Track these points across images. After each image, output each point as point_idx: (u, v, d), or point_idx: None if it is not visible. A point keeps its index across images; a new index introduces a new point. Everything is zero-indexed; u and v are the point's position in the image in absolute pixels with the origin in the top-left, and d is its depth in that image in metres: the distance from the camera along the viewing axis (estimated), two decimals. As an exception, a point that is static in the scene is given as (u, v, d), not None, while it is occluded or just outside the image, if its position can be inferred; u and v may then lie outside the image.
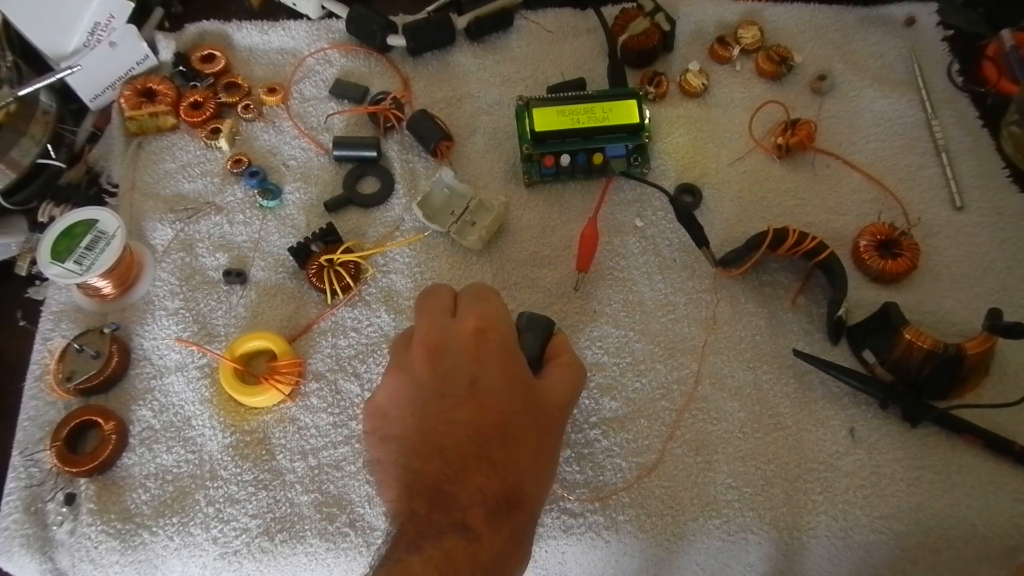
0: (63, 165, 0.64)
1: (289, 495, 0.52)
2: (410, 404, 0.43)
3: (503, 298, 0.59)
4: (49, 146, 0.63)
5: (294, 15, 0.75)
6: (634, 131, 0.63)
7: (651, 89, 0.69)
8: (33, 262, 0.59)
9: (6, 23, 0.64)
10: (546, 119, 0.62)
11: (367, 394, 0.56)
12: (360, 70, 0.71)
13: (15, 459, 0.52)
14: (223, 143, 0.65)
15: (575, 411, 0.55)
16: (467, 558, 0.37)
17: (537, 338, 0.50)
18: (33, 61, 0.66)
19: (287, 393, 0.54)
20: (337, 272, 0.58)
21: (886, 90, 0.70)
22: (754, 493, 0.52)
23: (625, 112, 0.63)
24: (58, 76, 0.63)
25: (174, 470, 0.52)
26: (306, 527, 0.51)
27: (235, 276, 0.59)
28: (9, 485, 0.52)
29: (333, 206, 0.63)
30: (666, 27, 0.70)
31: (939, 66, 0.72)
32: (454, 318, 0.45)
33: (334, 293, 0.58)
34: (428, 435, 0.41)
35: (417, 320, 0.46)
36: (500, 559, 0.38)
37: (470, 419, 0.41)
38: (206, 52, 0.70)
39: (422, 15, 0.73)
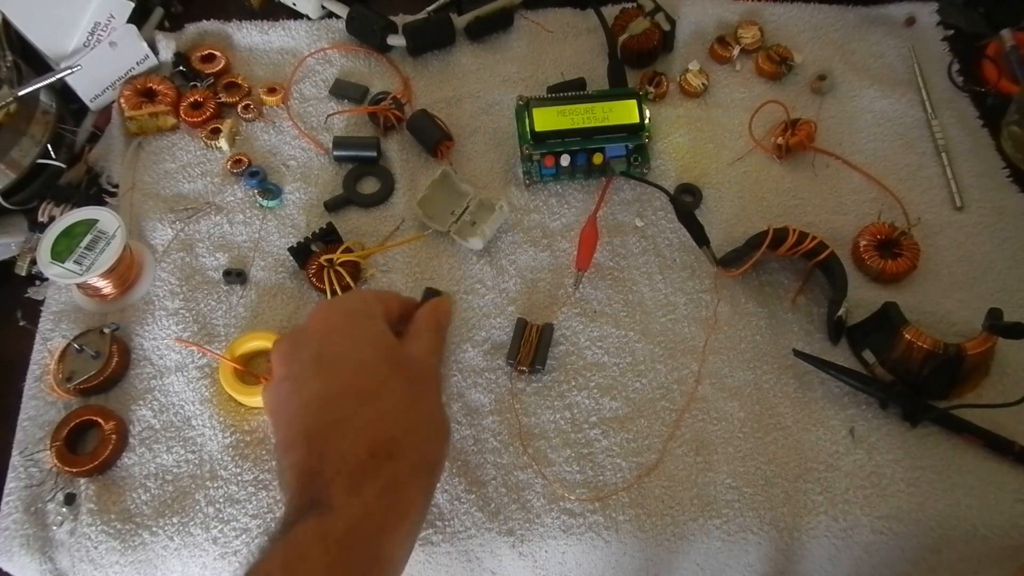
0: (63, 165, 0.64)
1: (289, 495, 0.52)
2: (277, 408, 0.44)
3: (502, 297, 0.59)
4: (49, 146, 0.63)
5: (294, 15, 0.75)
6: (634, 131, 0.63)
7: (651, 89, 0.69)
8: (33, 262, 0.59)
9: (6, 23, 0.64)
10: (546, 119, 0.62)
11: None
12: (360, 70, 0.71)
13: (15, 459, 0.52)
14: (223, 143, 0.65)
15: (575, 411, 0.55)
16: (317, 536, 0.37)
17: None
18: (33, 61, 0.66)
19: (287, 393, 0.54)
20: (337, 272, 0.58)
21: (886, 90, 0.70)
22: (754, 493, 0.52)
23: (625, 112, 0.63)
24: (58, 76, 0.63)
25: (174, 470, 0.52)
26: (306, 527, 0.51)
27: (235, 276, 0.59)
28: (9, 485, 0.52)
29: (333, 206, 0.63)
30: (666, 27, 0.70)
31: (939, 66, 0.72)
32: None
33: (334, 293, 0.58)
34: (291, 426, 0.42)
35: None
36: (363, 522, 0.38)
37: (319, 390, 0.42)
38: (206, 52, 0.70)
39: (422, 15, 0.73)
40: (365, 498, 0.38)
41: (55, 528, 0.50)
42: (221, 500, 0.51)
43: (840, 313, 0.56)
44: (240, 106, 0.68)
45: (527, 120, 0.62)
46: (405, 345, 0.46)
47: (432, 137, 0.65)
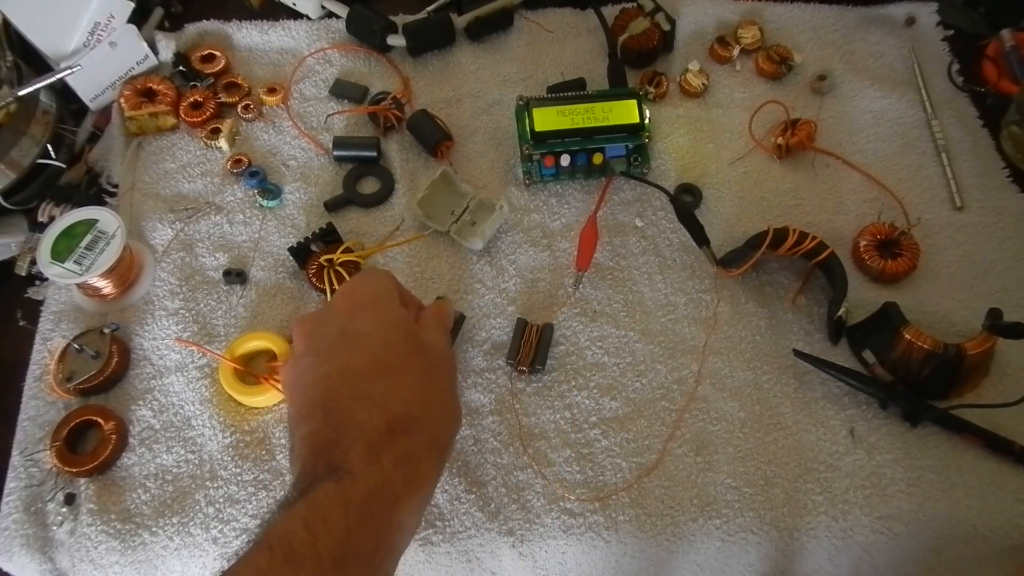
0: (63, 165, 0.64)
1: (289, 495, 0.52)
2: (294, 381, 0.45)
3: (502, 297, 0.59)
4: (49, 146, 0.63)
5: (294, 15, 0.75)
6: (634, 131, 0.63)
7: (651, 89, 0.69)
8: (33, 262, 0.59)
9: (6, 23, 0.64)
10: (546, 119, 0.62)
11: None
12: (360, 70, 0.71)
13: (15, 459, 0.52)
14: (223, 143, 0.65)
15: (575, 411, 0.55)
16: (338, 500, 0.38)
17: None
18: (33, 61, 0.66)
19: (287, 393, 0.54)
20: (337, 272, 0.58)
21: (886, 90, 0.70)
22: (754, 493, 0.52)
23: (625, 112, 0.63)
24: (58, 76, 0.63)
25: (174, 470, 0.52)
26: (306, 527, 0.51)
27: (235, 276, 0.59)
28: (9, 485, 0.52)
29: (333, 206, 0.63)
30: (666, 27, 0.70)
31: (939, 66, 0.72)
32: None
33: (334, 293, 0.58)
34: (309, 397, 0.43)
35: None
36: (381, 488, 0.39)
37: (342, 365, 0.43)
38: (206, 52, 0.70)
39: (422, 15, 0.73)
40: (383, 466, 0.39)
41: (55, 528, 0.50)
42: (221, 500, 0.51)
43: (840, 313, 0.56)
44: (240, 106, 0.68)
45: (527, 120, 0.62)
46: (420, 328, 0.48)
47: (432, 137, 0.65)
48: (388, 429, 0.40)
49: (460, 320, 0.57)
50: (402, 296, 0.50)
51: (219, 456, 0.53)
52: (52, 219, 0.59)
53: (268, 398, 0.54)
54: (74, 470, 0.51)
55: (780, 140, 0.65)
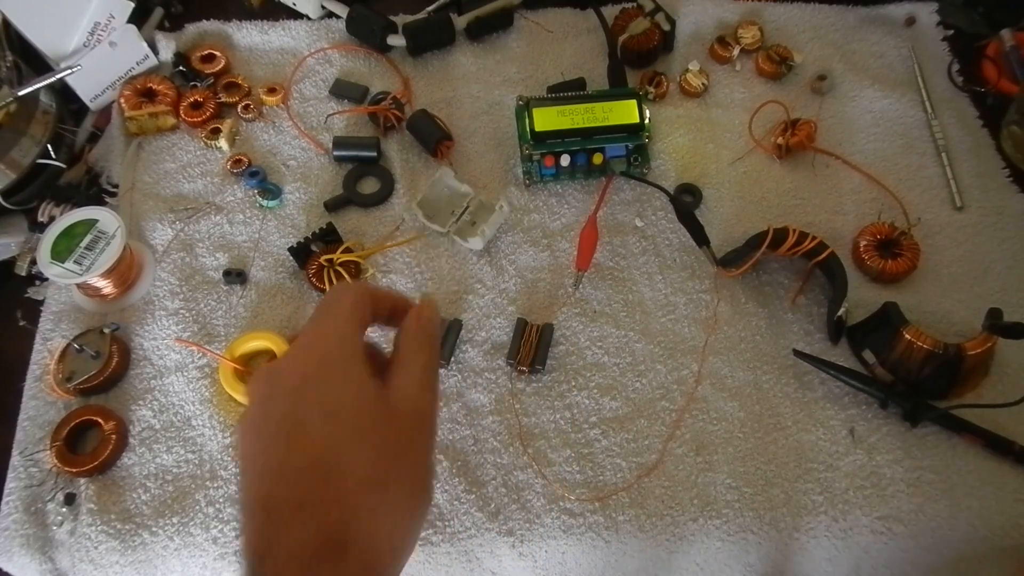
0: (63, 165, 0.64)
1: (289, 495, 0.52)
2: (243, 458, 0.39)
3: (502, 297, 0.59)
4: (49, 146, 0.63)
5: (294, 15, 0.75)
6: (634, 131, 0.63)
7: (651, 89, 0.69)
8: (33, 262, 0.59)
9: (6, 23, 0.64)
10: (546, 119, 0.62)
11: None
12: (360, 70, 0.72)
13: (15, 459, 0.52)
14: (223, 143, 0.65)
15: (575, 411, 0.55)
16: None
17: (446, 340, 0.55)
18: (33, 61, 0.66)
19: (287, 393, 0.54)
20: (337, 272, 0.58)
21: (886, 90, 0.70)
22: (754, 493, 0.52)
23: (625, 112, 0.63)
24: (58, 76, 0.63)
25: (174, 470, 0.52)
26: (306, 527, 0.51)
27: (235, 276, 0.59)
28: (9, 485, 0.52)
29: (333, 206, 0.63)
30: (666, 27, 0.70)
31: (939, 66, 0.72)
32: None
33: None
34: (250, 488, 0.37)
35: None
36: None
37: (283, 459, 0.36)
38: (206, 52, 0.70)
39: (422, 15, 0.73)
40: None
41: (55, 528, 0.50)
42: (221, 500, 0.51)
43: (840, 313, 0.56)
44: (240, 106, 0.68)
45: (527, 120, 0.62)
46: (391, 382, 0.40)
47: (432, 137, 0.65)
48: (316, 556, 0.34)
49: (457, 327, 0.57)
50: (381, 304, 0.42)
51: (219, 456, 0.53)
52: (52, 219, 0.59)
53: (268, 398, 0.54)
54: (74, 470, 0.51)
55: (780, 140, 0.65)
